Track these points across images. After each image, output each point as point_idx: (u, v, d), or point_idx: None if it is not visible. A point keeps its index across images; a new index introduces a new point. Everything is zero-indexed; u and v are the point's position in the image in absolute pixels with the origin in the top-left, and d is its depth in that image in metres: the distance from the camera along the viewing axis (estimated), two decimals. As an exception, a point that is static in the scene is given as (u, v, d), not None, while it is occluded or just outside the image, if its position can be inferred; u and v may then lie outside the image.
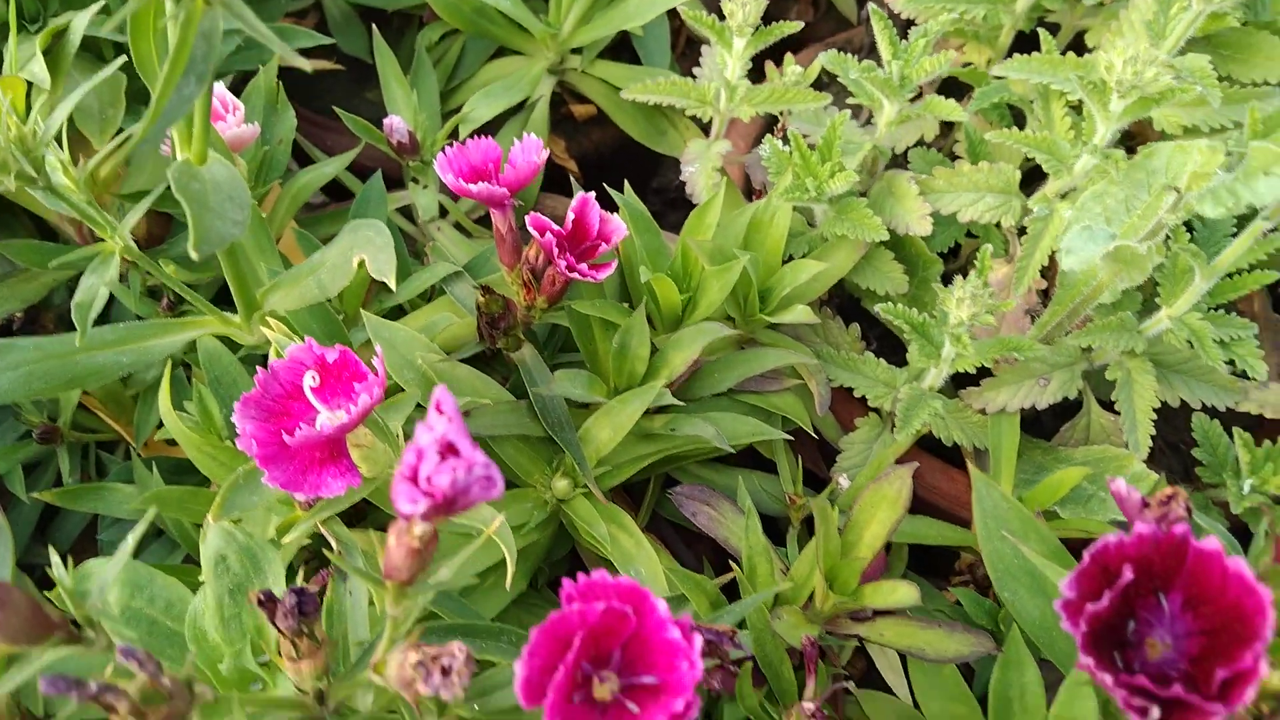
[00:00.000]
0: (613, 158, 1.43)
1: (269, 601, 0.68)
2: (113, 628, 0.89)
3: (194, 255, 0.59)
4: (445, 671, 0.60)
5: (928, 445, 1.11)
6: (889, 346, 1.23)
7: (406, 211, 1.25)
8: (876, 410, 1.11)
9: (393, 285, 0.80)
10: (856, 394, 1.09)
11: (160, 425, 1.04)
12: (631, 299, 1.12)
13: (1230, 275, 0.99)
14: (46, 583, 1.08)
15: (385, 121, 1.12)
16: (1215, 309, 1.01)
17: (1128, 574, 0.60)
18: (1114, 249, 0.81)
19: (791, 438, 1.05)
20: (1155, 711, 0.58)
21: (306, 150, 1.31)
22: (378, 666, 0.66)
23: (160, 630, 0.90)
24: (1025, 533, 0.82)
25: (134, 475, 1.07)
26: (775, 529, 1.07)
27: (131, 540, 0.64)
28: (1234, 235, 1.00)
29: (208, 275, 1.07)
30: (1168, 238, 0.95)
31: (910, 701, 0.99)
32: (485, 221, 1.24)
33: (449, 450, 0.57)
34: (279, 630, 0.68)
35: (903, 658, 0.99)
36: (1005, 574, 0.83)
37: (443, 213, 1.23)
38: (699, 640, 0.61)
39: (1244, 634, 0.59)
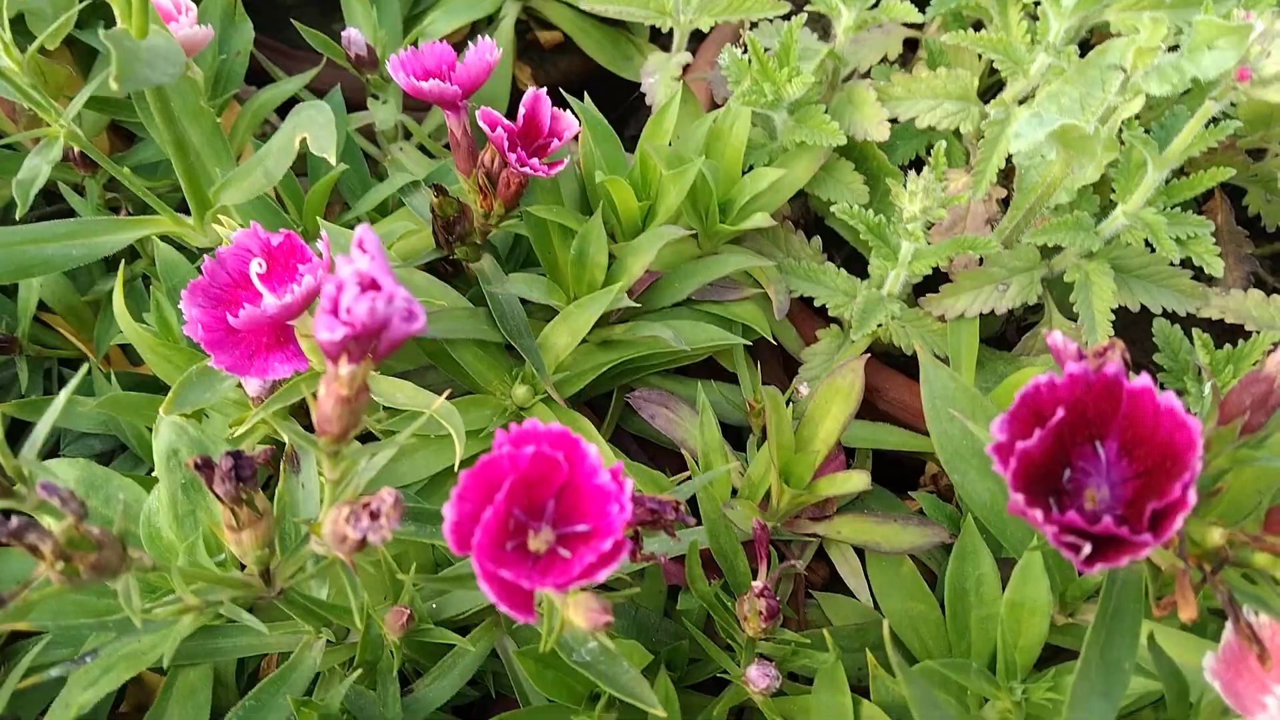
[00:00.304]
0: (581, 88, 1.42)
1: (205, 467, 0.68)
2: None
3: (113, 86, 0.59)
4: (374, 515, 0.60)
5: (892, 362, 1.11)
6: (856, 270, 1.22)
7: (370, 135, 1.25)
8: (838, 321, 1.11)
9: (332, 160, 0.79)
10: (817, 304, 1.09)
11: (119, 333, 1.04)
12: (591, 212, 1.12)
13: (1185, 173, 0.99)
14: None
15: (344, 34, 1.11)
16: (1173, 208, 1.00)
17: (1059, 413, 0.60)
18: (1059, 128, 0.80)
19: (750, 344, 1.05)
20: (1087, 547, 0.58)
21: (273, 76, 1.30)
22: (314, 527, 0.66)
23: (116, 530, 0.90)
24: (973, 412, 0.82)
25: (94, 388, 1.07)
26: (738, 440, 1.07)
27: (63, 397, 0.64)
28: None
29: (165, 183, 1.06)
30: (1121, 133, 0.95)
31: (871, 604, 0.99)
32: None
33: (371, 285, 0.57)
34: (217, 497, 0.68)
35: (863, 562, 0.99)
36: (954, 456, 0.83)
37: (407, 135, 1.23)
38: (629, 484, 0.60)
39: (1175, 469, 0.59)
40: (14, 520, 0.55)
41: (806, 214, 1.23)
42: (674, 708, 0.85)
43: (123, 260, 0.94)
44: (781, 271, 1.07)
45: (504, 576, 0.58)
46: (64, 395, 0.64)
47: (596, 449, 0.61)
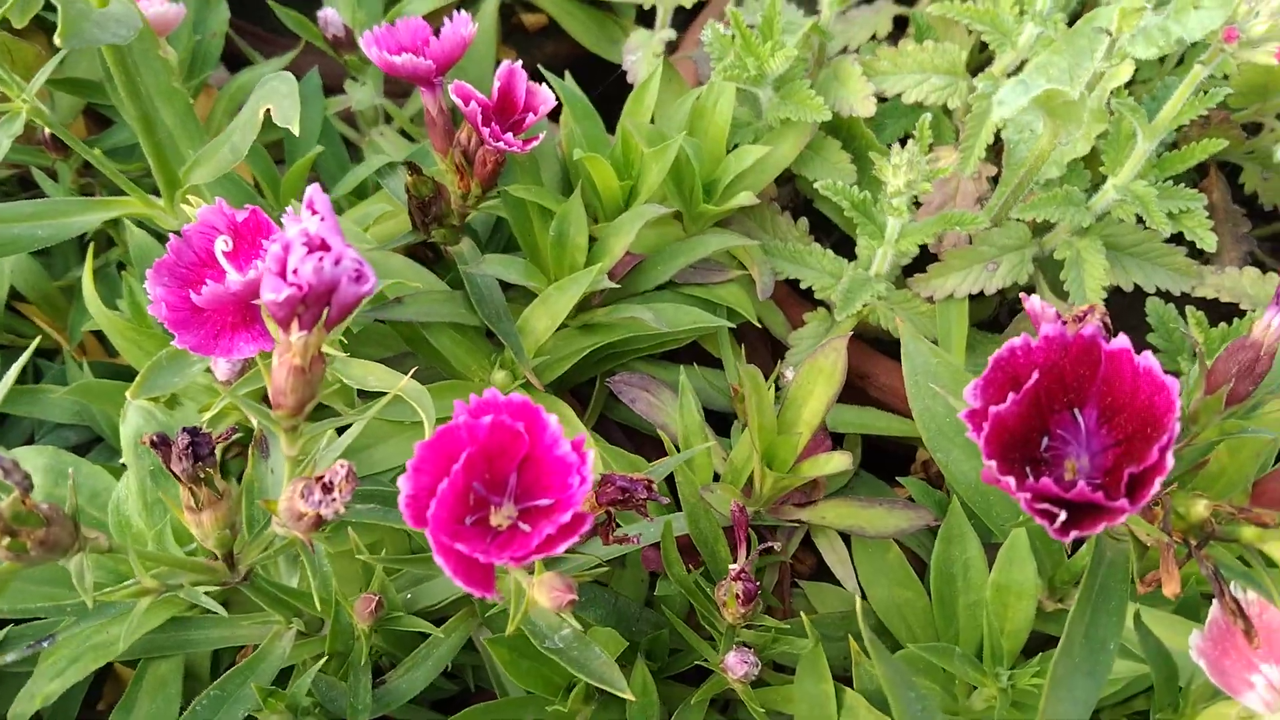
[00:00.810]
0: (566, 72, 1.41)
1: (162, 444, 0.66)
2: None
3: (58, 42, 0.57)
4: (327, 488, 0.58)
5: (883, 348, 1.09)
6: (848, 255, 1.20)
7: (351, 120, 1.23)
8: (825, 304, 1.08)
9: (295, 130, 0.78)
10: (804, 286, 1.06)
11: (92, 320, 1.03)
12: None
13: (1176, 147, 0.96)
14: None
15: (320, 14, 1.10)
16: (1166, 183, 0.98)
17: (1034, 376, 0.58)
18: (1044, 93, 0.78)
19: (735, 328, 1.03)
20: (1062, 515, 0.55)
21: (252, 62, 1.29)
22: (270, 505, 0.64)
23: (85, 519, 0.88)
24: (956, 388, 0.79)
25: (68, 378, 1.05)
26: (725, 426, 1.05)
27: (11, 376, 0.63)
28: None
29: (138, 167, 1.05)
30: (1110, 103, 0.92)
31: (859, 593, 0.96)
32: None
33: (320, 246, 0.55)
34: (175, 476, 0.66)
35: (851, 552, 0.97)
36: (938, 434, 0.81)
37: (388, 120, 1.21)
38: (591, 455, 0.59)
39: (1154, 434, 0.57)
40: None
41: (796, 198, 1.20)
42: (651, 697, 0.83)
43: (91, 244, 0.93)
44: (766, 253, 1.05)
45: (459, 550, 0.56)
46: (12, 374, 0.63)
47: (558, 419, 0.59)
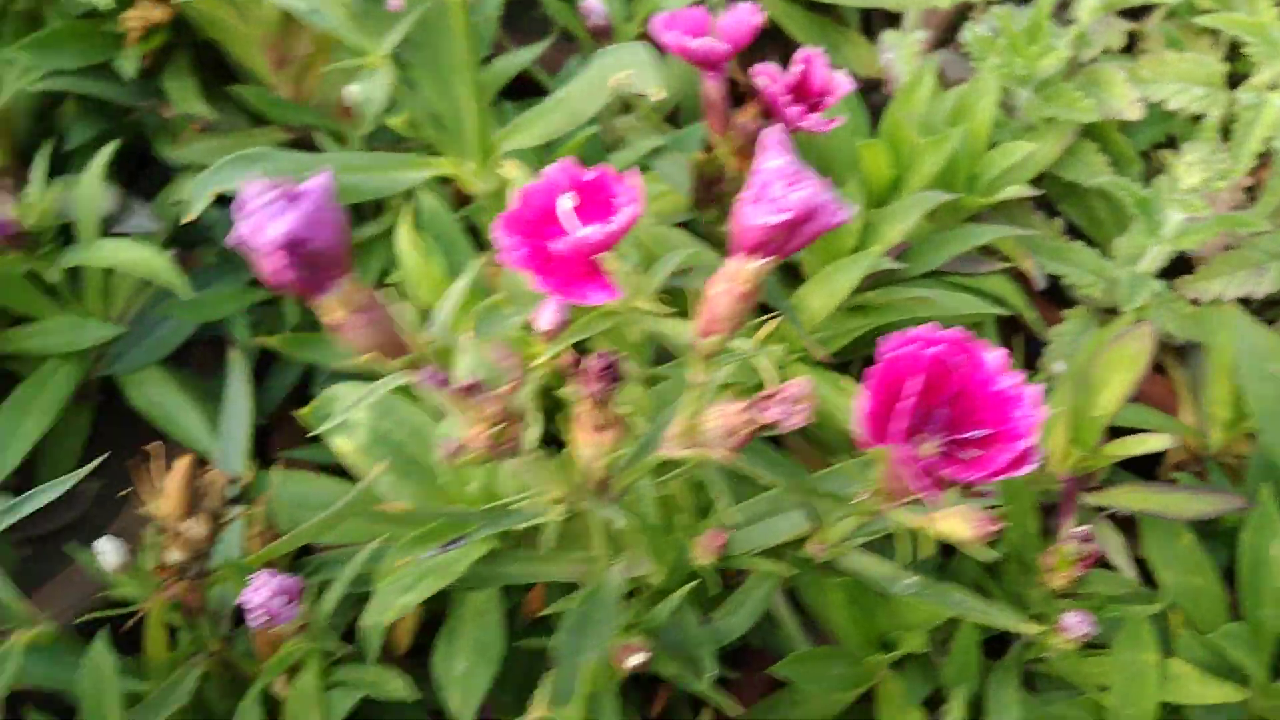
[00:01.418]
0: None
1: (573, 364, 0.68)
2: (359, 447, 0.90)
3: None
4: (787, 400, 0.60)
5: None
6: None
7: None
8: (1079, 302, 1.10)
9: (662, 95, 0.82)
10: (1065, 282, 1.08)
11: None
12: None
13: None
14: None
15: (583, 4, 1.15)
16: None
17: None
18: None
19: (1006, 313, 1.04)
20: None
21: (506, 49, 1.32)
22: (691, 428, 0.66)
23: (405, 454, 0.91)
24: (1291, 368, 0.81)
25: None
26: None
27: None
28: None
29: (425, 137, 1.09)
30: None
31: (1137, 579, 0.96)
32: (671, 119, 1.25)
33: (796, 176, 0.58)
34: (589, 397, 0.68)
35: (1130, 539, 0.97)
36: (1269, 415, 0.82)
37: (624, 109, 1.25)
38: (1034, 392, 0.60)
39: None
40: (468, 379, 0.56)
41: (1037, 200, 1.22)
42: (972, 654, 0.84)
43: (394, 200, 0.96)
44: (1029, 248, 1.08)
45: (927, 465, 0.58)
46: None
47: (1002, 355, 0.61)
